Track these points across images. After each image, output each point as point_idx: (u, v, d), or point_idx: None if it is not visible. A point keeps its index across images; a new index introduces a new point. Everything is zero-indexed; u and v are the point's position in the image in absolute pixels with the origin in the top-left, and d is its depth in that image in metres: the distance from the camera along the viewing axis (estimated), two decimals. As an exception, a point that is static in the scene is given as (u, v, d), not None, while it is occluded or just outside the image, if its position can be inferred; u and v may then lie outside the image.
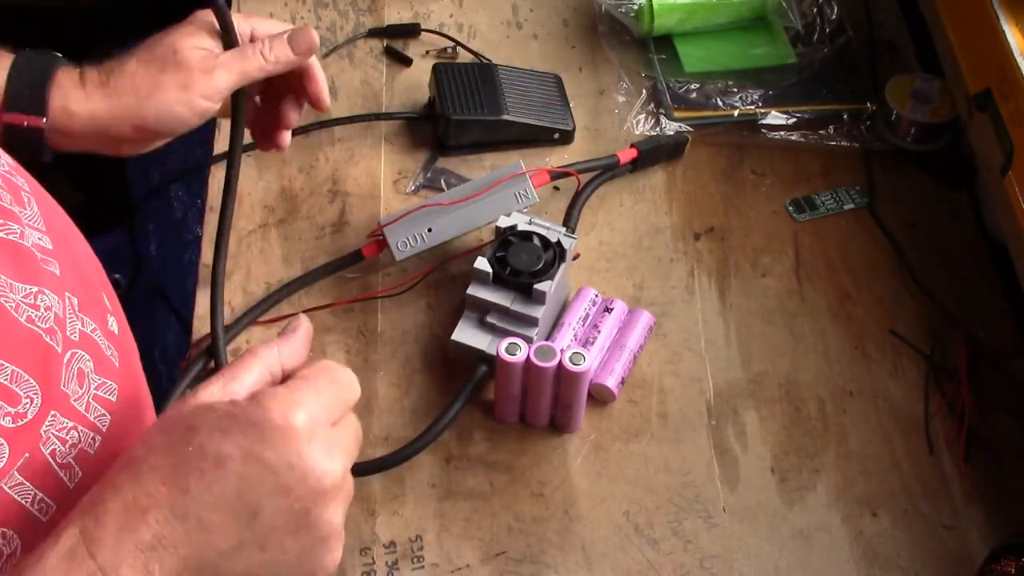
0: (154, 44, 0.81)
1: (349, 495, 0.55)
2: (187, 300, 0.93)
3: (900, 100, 0.98)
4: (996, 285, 0.91)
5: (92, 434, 0.62)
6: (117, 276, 1.28)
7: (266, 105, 0.86)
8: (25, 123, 0.78)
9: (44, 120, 0.79)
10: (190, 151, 1.33)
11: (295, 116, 0.86)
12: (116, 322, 0.68)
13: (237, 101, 0.82)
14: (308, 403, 0.54)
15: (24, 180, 0.65)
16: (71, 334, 0.62)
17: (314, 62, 0.83)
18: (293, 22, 1.08)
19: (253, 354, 0.59)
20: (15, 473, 0.57)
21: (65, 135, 0.80)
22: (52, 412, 0.58)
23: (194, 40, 0.81)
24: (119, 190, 1.41)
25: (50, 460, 0.59)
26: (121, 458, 0.54)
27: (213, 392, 0.56)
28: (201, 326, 0.89)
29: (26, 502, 0.58)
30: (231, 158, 0.84)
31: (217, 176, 0.97)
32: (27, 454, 0.57)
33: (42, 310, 0.59)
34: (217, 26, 0.81)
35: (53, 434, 0.59)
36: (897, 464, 0.83)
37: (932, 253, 0.93)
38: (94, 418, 0.62)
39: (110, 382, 0.64)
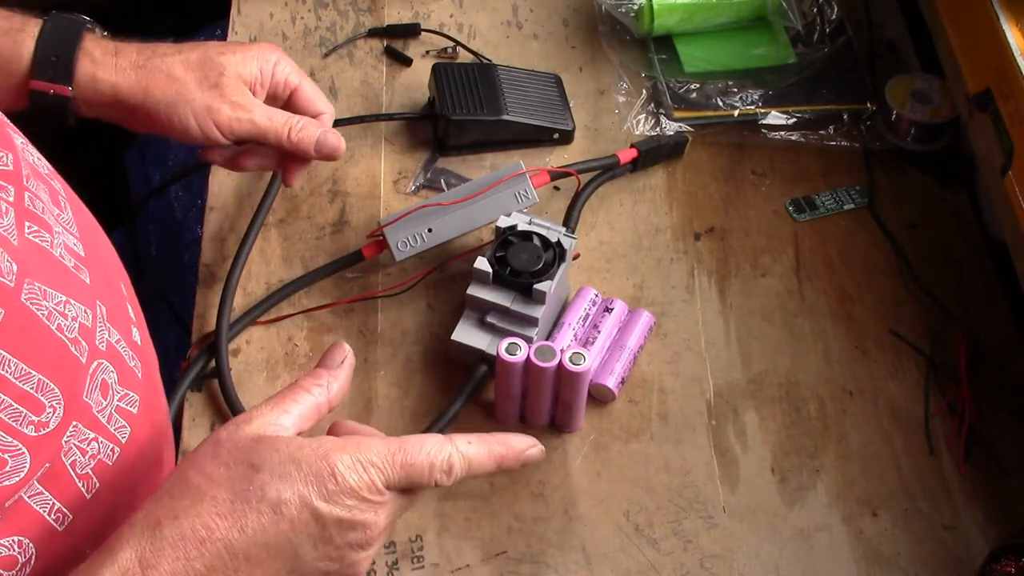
0: (206, 54, 0.83)
1: (390, 533, 0.60)
2: (187, 300, 0.93)
3: (900, 100, 0.98)
4: (996, 285, 0.91)
5: (112, 446, 0.62)
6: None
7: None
8: (52, 91, 0.79)
9: (70, 89, 0.80)
10: (190, 151, 1.33)
11: (259, 163, 0.88)
12: (139, 333, 0.68)
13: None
14: (371, 470, 0.57)
15: (60, 184, 0.65)
16: (99, 343, 0.61)
17: (327, 140, 0.86)
18: (293, 22, 1.08)
19: (304, 388, 0.62)
20: (35, 483, 0.56)
21: (88, 103, 0.81)
22: (74, 423, 0.58)
23: (244, 73, 0.83)
24: (119, 190, 1.41)
25: (70, 470, 0.59)
26: (173, 480, 0.56)
27: (267, 422, 0.59)
28: (201, 326, 0.89)
29: (44, 511, 0.57)
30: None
31: (217, 176, 0.97)
32: (47, 464, 0.56)
33: (69, 319, 0.58)
34: (271, 74, 0.84)
35: (75, 444, 0.59)
36: (897, 464, 0.83)
37: (932, 253, 0.93)
38: (115, 429, 0.62)
39: (132, 393, 0.64)
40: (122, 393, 0.63)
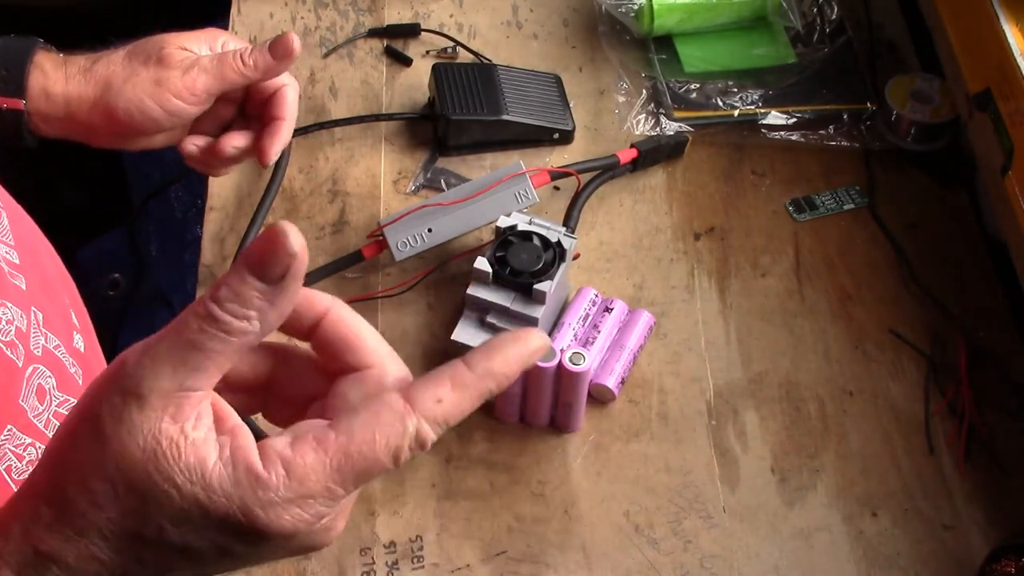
0: (146, 40, 0.80)
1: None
2: (187, 300, 0.93)
3: (900, 100, 0.98)
4: (996, 285, 0.91)
5: None
6: (117, 276, 1.28)
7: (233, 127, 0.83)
8: (4, 105, 0.77)
9: (23, 103, 0.77)
10: (190, 151, 1.33)
11: (238, 145, 0.82)
12: (83, 340, 0.67)
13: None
14: (309, 508, 0.42)
15: None
16: (34, 348, 0.60)
17: (290, 100, 0.81)
18: (293, 22, 1.08)
19: (219, 332, 0.41)
20: None
21: (44, 119, 0.78)
22: (8, 426, 0.57)
23: (185, 42, 0.80)
24: (119, 190, 1.41)
25: (5, 476, 0.58)
26: (49, 485, 0.43)
27: (166, 401, 0.42)
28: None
29: None
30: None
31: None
32: None
33: (3, 323, 0.58)
34: (218, 41, 0.80)
35: (9, 449, 0.58)
36: (897, 464, 0.83)
37: (932, 253, 0.93)
38: (52, 435, 0.61)
39: (72, 399, 0.63)
40: (61, 399, 0.62)
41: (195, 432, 0.41)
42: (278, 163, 0.94)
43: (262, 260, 0.41)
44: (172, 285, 1.23)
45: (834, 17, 1.05)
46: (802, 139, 0.99)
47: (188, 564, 0.43)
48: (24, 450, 0.59)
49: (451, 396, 0.44)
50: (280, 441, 0.42)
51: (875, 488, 0.81)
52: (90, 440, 0.42)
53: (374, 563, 0.78)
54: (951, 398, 0.85)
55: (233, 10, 1.09)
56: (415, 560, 0.78)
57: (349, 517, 0.46)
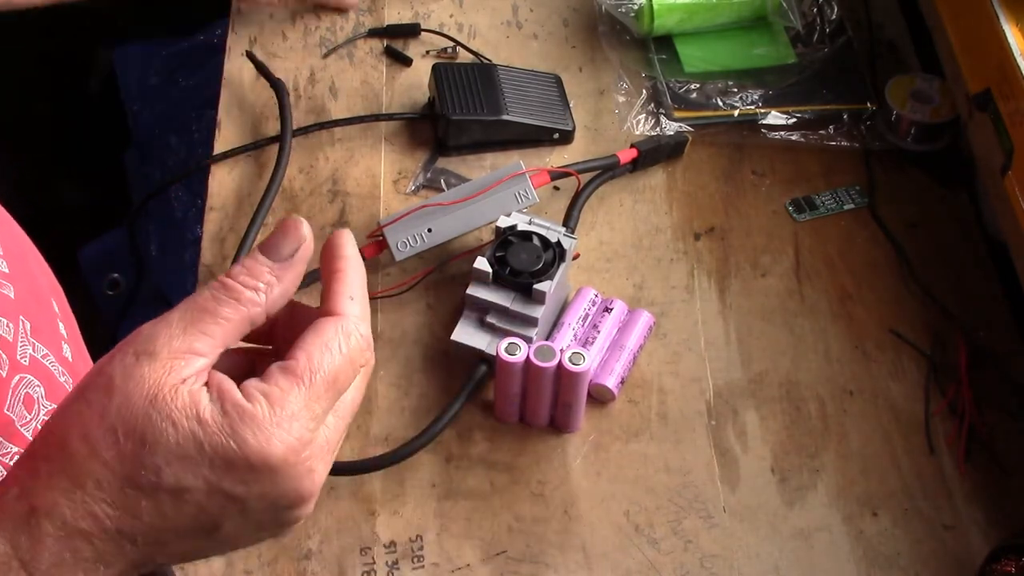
0: None
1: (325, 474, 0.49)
2: (187, 300, 0.93)
3: (900, 100, 0.98)
4: (996, 285, 0.91)
5: None
6: (117, 276, 1.28)
7: None
8: None
9: None
10: (190, 151, 1.33)
11: None
12: (71, 350, 0.67)
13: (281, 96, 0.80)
14: (301, 424, 0.46)
15: None
16: (21, 358, 0.60)
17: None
18: (293, 23, 1.08)
19: (235, 298, 0.47)
20: None
21: None
22: None
23: None
24: (119, 190, 1.41)
25: None
26: (50, 439, 0.45)
27: (175, 354, 0.45)
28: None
29: None
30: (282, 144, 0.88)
31: (217, 176, 0.97)
32: None
33: None
34: None
35: None
36: (897, 464, 0.83)
37: (932, 253, 0.93)
38: None
39: None
40: (49, 408, 0.61)
41: (192, 385, 0.45)
42: (278, 163, 0.94)
43: (276, 241, 0.48)
44: (172, 285, 1.23)
45: (834, 17, 1.05)
46: (802, 139, 0.99)
47: (181, 515, 0.45)
48: (11, 459, 0.59)
49: (359, 292, 0.51)
50: (253, 381, 0.46)
51: (875, 488, 0.81)
52: (99, 394, 0.44)
53: (374, 563, 0.78)
54: (951, 398, 0.85)
55: (233, 10, 1.09)
56: (415, 560, 0.78)
57: (327, 476, 0.49)
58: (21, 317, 0.61)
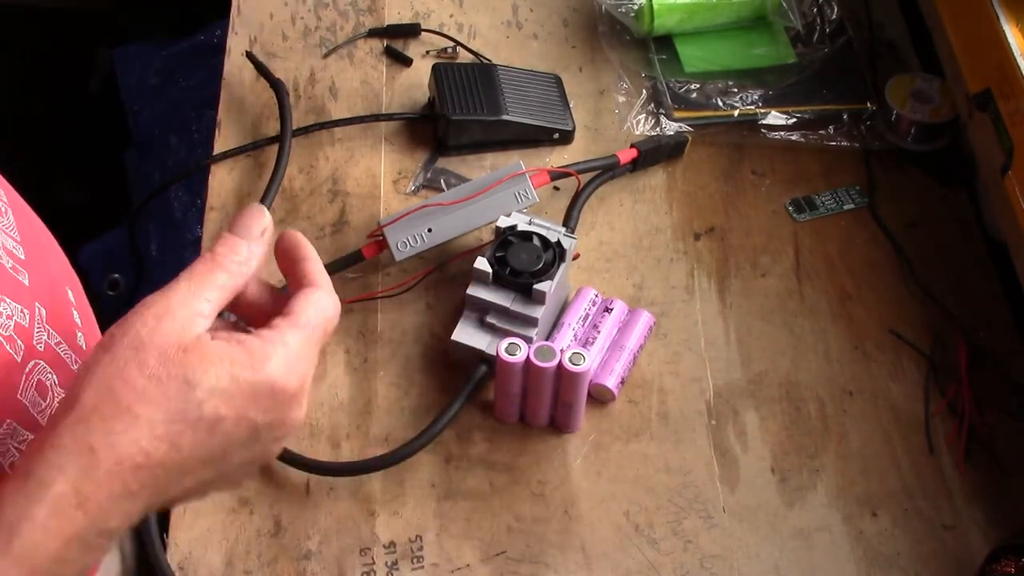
0: None
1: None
2: (187, 300, 0.93)
3: (900, 100, 0.98)
4: (996, 285, 0.91)
5: None
6: (117, 276, 1.28)
7: None
8: None
9: None
10: (190, 151, 1.33)
11: None
12: (85, 339, 0.68)
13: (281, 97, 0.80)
14: (305, 363, 0.55)
15: (3, 191, 0.65)
16: (37, 344, 0.61)
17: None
18: (293, 22, 1.08)
19: (223, 268, 0.56)
20: None
21: None
22: (8, 421, 0.58)
23: None
24: (119, 190, 1.41)
25: (9, 473, 0.58)
26: (99, 394, 0.51)
27: (189, 315, 0.53)
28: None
29: None
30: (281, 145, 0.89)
31: (217, 176, 0.97)
32: None
33: (3, 318, 0.58)
34: None
35: (13, 446, 0.58)
36: (897, 464, 0.83)
37: (932, 253, 0.93)
38: None
39: None
40: (63, 395, 0.63)
41: (211, 336, 0.54)
42: (278, 163, 0.94)
43: (245, 222, 0.58)
44: (172, 285, 1.23)
45: (834, 17, 1.05)
46: (802, 139, 0.99)
47: (212, 443, 0.52)
48: (26, 446, 0.59)
49: (325, 273, 0.60)
50: (264, 331, 0.56)
51: (875, 488, 0.81)
52: (132, 351, 0.52)
53: (374, 563, 0.78)
54: (951, 398, 0.85)
55: (233, 10, 1.09)
56: (415, 560, 0.78)
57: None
58: (37, 304, 0.62)
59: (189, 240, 1.26)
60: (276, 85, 1.00)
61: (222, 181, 0.97)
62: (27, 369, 0.59)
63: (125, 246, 1.19)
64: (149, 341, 0.52)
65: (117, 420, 0.51)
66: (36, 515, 0.49)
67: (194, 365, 0.52)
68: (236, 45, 1.06)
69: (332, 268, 0.91)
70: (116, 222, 1.31)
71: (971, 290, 0.91)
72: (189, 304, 0.54)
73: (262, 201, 0.92)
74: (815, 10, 1.05)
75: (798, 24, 1.04)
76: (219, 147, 0.99)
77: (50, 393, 0.62)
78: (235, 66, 1.04)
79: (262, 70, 1.02)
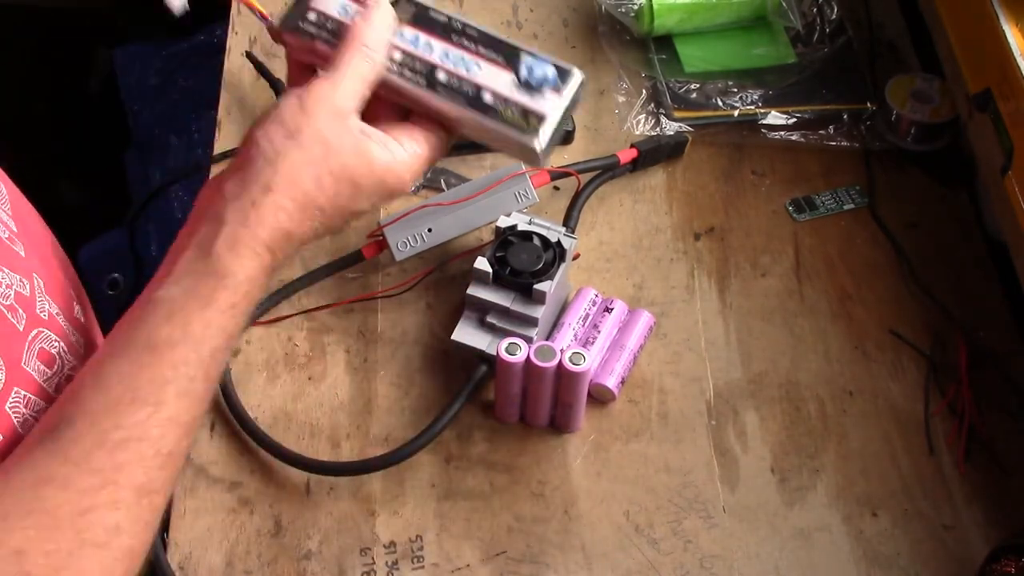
0: None
1: None
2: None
3: (900, 100, 0.98)
4: (996, 285, 0.91)
5: None
6: (117, 276, 1.28)
7: None
8: None
9: None
10: (190, 151, 1.33)
11: None
12: (81, 311, 0.69)
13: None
14: (421, 168, 0.68)
15: None
16: (40, 312, 0.62)
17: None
18: (293, 22, 1.08)
19: (375, 70, 0.67)
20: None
21: None
22: (15, 389, 0.59)
23: None
24: (119, 190, 1.41)
25: None
26: (290, 183, 0.63)
27: (355, 116, 0.66)
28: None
29: None
30: None
31: (217, 176, 0.97)
32: None
33: (3, 287, 0.59)
34: None
35: (30, 416, 0.59)
36: (897, 464, 0.83)
37: (932, 253, 0.93)
38: None
39: (80, 364, 0.65)
40: (73, 363, 0.64)
41: (367, 132, 0.66)
42: None
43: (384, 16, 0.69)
44: (172, 285, 1.23)
45: (834, 17, 1.05)
46: (802, 139, 0.99)
47: (344, 222, 0.68)
48: (38, 413, 0.60)
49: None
50: (407, 140, 0.69)
51: (875, 488, 0.81)
52: (318, 148, 0.64)
53: (374, 563, 0.78)
54: (951, 398, 0.85)
55: (233, 10, 1.09)
56: (415, 560, 0.78)
57: None
58: (35, 274, 0.62)
59: (189, 240, 1.26)
60: (276, 85, 1.00)
61: (222, 181, 0.97)
62: (29, 338, 0.60)
63: (125, 246, 1.19)
64: (334, 142, 0.64)
65: (307, 210, 0.64)
66: (255, 280, 0.62)
67: (361, 171, 0.65)
68: (236, 45, 1.06)
69: (332, 268, 0.91)
70: (116, 222, 1.31)
71: (971, 290, 0.91)
72: (355, 101, 0.66)
73: None
74: (815, 10, 1.05)
75: (798, 24, 1.04)
76: (219, 147, 0.99)
77: (58, 361, 0.62)
78: (235, 66, 1.04)
79: (262, 70, 1.02)
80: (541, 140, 0.68)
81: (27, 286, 0.62)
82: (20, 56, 1.64)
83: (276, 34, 0.71)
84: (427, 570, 0.78)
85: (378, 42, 0.67)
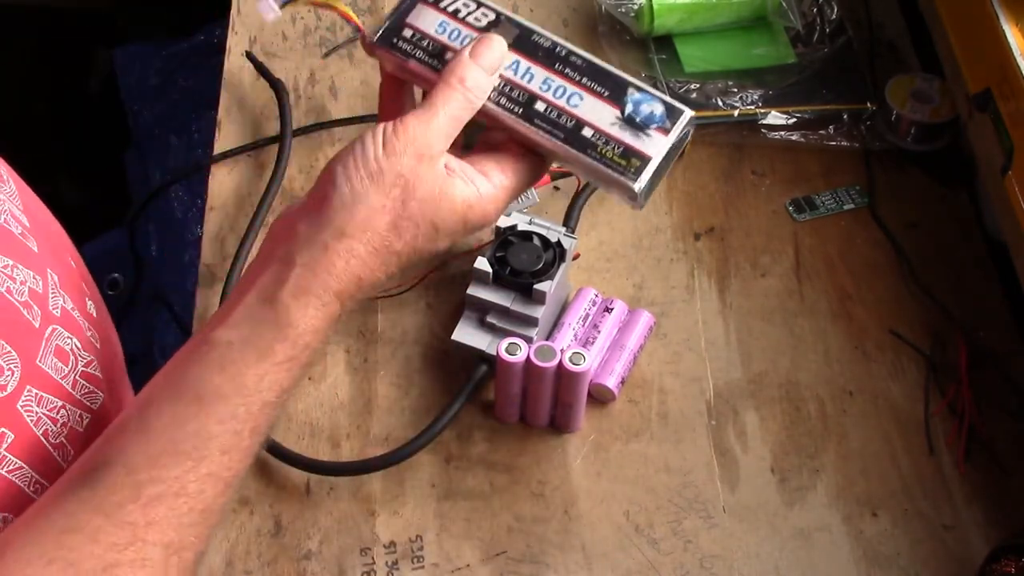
0: None
1: None
2: (187, 300, 0.93)
3: (900, 100, 0.98)
4: (996, 285, 0.91)
5: (79, 412, 0.62)
6: (117, 276, 1.28)
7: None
8: None
9: None
10: (190, 151, 1.33)
11: None
12: (94, 306, 0.68)
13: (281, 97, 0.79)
14: (508, 200, 0.65)
15: (1, 161, 0.66)
16: (53, 309, 0.61)
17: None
18: (293, 23, 1.08)
19: (471, 106, 0.63)
20: (12, 457, 0.57)
21: None
22: (28, 387, 0.58)
23: None
24: (119, 190, 1.41)
25: (43, 441, 0.59)
26: (368, 229, 0.60)
27: (443, 158, 0.62)
28: (201, 326, 0.88)
29: (25, 486, 0.58)
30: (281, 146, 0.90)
31: (217, 176, 0.97)
32: (4, 429, 0.56)
33: (17, 283, 0.59)
34: None
35: (43, 414, 0.59)
36: (897, 464, 0.83)
37: (932, 253, 0.93)
38: (82, 395, 0.62)
39: (96, 360, 0.64)
40: (87, 359, 0.63)
41: (452, 175, 0.62)
42: (277, 163, 0.94)
43: (482, 51, 0.64)
44: (172, 285, 1.23)
45: (834, 17, 1.05)
46: (802, 139, 0.99)
47: (424, 262, 0.65)
48: (57, 413, 0.60)
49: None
50: (495, 170, 0.65)
51: (875, 488, 0.81)
52: (398, 191, 0.60)
53: (374, 563, 0.78)
54: (951, 398, 0.85)
55: (233, 10, 1.09)
56: (415, 560, 0.78)
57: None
58: (48, 270, 0.62)
59: (189, 240, 1.26)
60: (276, 85, 1.00)
61: (222, 181, 0.97)
62: (45, 335, 0.60)
63: (125, 246, 1.19)
64: (414, 185, 0.60)
65: (376, 257, 0.60)
66: (319, 317, 0.59)
67: (444, 213, 0.61)
68: (236, 45, 1.06)
69: (332, 268, 0.91)
70: (116, 222, 1.31)
71: (971, 290, 0.91)
72: (443, 144, 0.62)
73: (261, 201, 0.92)
74: (815, 10, 1.05)
75: (798, 24, 1.04)
76: (219, 147, 0.99)
77: (72, 357, 0.62)
78: (235, 66, 1.04)
79: (262, 70, 1.02)
80: (641, 182, 0.63)
81: (40, 282, 0.61)
82: (20, 56, 1.64)
83: (370, 49, 0.68)
84: (427, 570, 0.78)
85: (482, 86, 0.63)
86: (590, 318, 0.87)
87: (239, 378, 0.56)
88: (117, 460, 0.53)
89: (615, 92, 0.65)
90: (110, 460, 0.53)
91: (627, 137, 0.64)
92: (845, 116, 1.00)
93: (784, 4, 1.03)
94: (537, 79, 0.65)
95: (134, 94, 1.42)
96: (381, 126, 0.61)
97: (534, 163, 0.65)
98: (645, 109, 0.65)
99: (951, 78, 0.96)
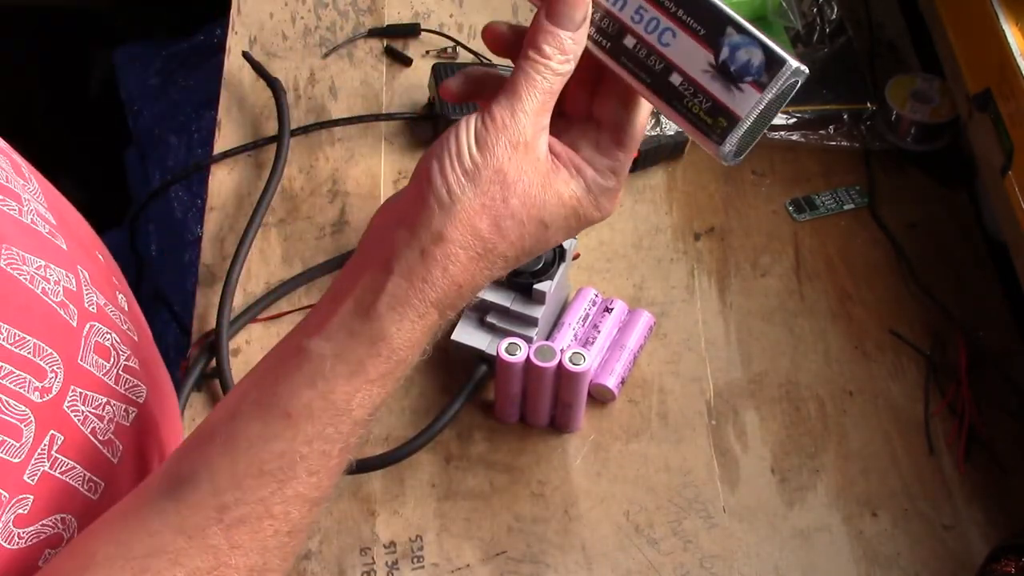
0: None
1: None
2: (187, 300, 0.93)
3: (900, 100, 0.98)
4: (996, 285, 0.91)
5: (125, 406, 0.61)
6: (117, 276, 1.27)
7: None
8: None
9: None
10: (190, 151, 1.33)
11: None
12: (126, 299, 0.68)
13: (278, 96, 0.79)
14: (620, 186, 0.60)
15: (21, 158, 0.65)
16: (89, 306, 0.61)
17: None
18: (293, 22, 1.08)
19: (557, 78, 0.55)
20: (64, 459, 0.57)
21: None
22: (72, 387, 0.58)
23: None
24: (119, 190, 1.41)
25: (92, 439, 0.59)
26: (470, 234, 0.55)
27: (544, 147, 0.56)
28: (201, 326, 0.89)
29: (80, 485, 0.58)
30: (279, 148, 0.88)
31: (217, 176, 0.97)
32: (52, 431, 0.56)
33: (52, 283, 0.58)
34: None
35: (89, 413, 0.59)
36: (897, 464, 0.83)
37: (932, 253, 0.93)
38: (126, 390, 0.62)
39: (134, 353, 0.64)
40: (127, 353, 0.63)
41: (554, 161, 0.57)
42: (276, 163, 0.94)
43: (565, 11, 0.55)
44: (172, 285, 1.23)
45: (834, 17, 1.05)
46: (802, 139, 0.99)
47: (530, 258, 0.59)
48: (102, 409, 0.59)
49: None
50: (606, 161, 0.59)
51: (875, 488, 0.81)
52: (497, 187, 0.55)
53: (374, 563, 0.78)
54: (951, 398, 0.85)
55: (233, 10, 1.09)
56: (415, 560, 0.78)
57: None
58: (79, 267, 0.62)
59: (189, 240, 1.26)
60: (273, 85, 1.00)
61: (222, 181, 0.97)
62: (84, 333, 0.59)
63: (125, 246, 1.19)
64: (515, 178, 0.55)
65: (481, 260, 0.56)
66: (428, 315, 0.55)
67: (551, 209, 0.57)
68: (236, 45, 1.06)
69: (332, 266, 0.91)
70: (116, 222, 1.31)
71: (971, 290, 0.91)
72: (535, 126, 0.55)
73: (259, 201, 0.92)
74: (815, 10, 1.05)
75: (798, 24, 1.04)
76: (219, 147, 0.99)
77: (113, 353, 0.61)
78: (235, 66, 1.04)
79: (259, 70, 1.02)
80: (727, 146, 0.54)
81: (73, 280, 0.61)
82: (20, 56, 1.64)
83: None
84: (427, 570, 0.78)
85: (565, 49, 0.55)
86: (590, 318, 0.87)
87: (330, 395, 0.53)
88: (202, 476, 0.52)
89: (712, 30, 0.56)
90: (195, 474, 0.52)
91: (717, 90, 0.55)
92: (845, 116, 1.00)
93: (784, 4, 1.03)
94: (630, 6, 0.56)
95: (134, 94, 1.43)
96: (473, 117, 0.56)
97: (635, 126, 0.58)
98: (742, 56, 0.56)
99: (951, 78, 0.96)
